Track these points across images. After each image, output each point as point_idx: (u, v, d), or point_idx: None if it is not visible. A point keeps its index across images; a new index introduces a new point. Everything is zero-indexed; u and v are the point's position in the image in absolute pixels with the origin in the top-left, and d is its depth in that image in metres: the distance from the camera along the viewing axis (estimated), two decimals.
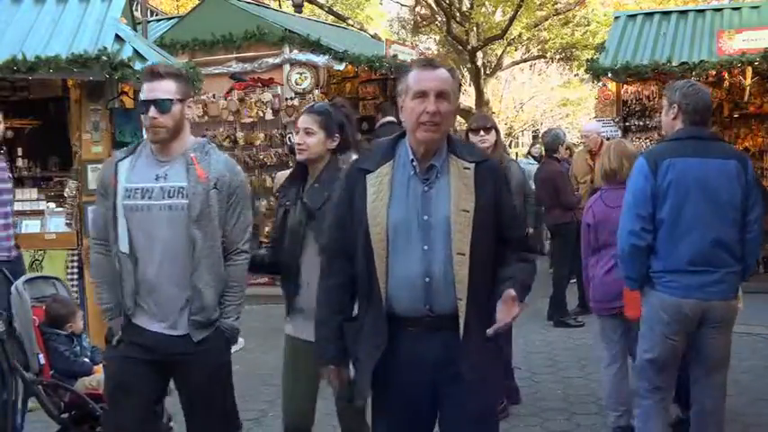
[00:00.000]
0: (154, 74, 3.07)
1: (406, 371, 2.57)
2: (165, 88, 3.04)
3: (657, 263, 3.66)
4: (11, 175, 5.69)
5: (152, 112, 3.01)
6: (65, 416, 4.14)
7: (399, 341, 2.57)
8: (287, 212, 3.46)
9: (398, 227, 2.54)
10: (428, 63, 2.63)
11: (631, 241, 3.66)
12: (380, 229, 2.54)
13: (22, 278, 4.43)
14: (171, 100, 3.03)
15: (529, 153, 11.98)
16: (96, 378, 4.26)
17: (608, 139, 8.16)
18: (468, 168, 2.58)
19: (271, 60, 9.80)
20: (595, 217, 4.45)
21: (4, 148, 5.58)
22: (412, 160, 2.60)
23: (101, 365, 4.30)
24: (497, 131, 5.16)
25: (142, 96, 3.07)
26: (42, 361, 4.18)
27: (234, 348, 6.98)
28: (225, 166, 3.13)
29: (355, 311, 2.78)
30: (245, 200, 3.19)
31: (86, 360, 4.43)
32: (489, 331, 2.47)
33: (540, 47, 23.31)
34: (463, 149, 2.65)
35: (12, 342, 4.16)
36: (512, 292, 2.47)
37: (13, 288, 4.28)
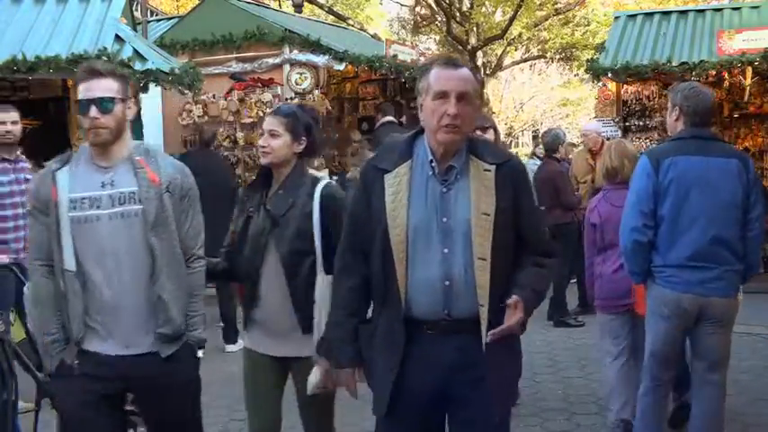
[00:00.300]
0: (93, 72, 2.85)
1: (420, 372, 2.53)
2: (106, 86, 2.82)
3: (659, 258, 3.76)
4: (29, 177, 5.69)
5: (93, 111, 2.79)
6: None
7: (415, 343, 2.52)
8: (249, 219, 3.28)
9: (418, 229, 2.49)
10: (450, 62, 2.54)
11: (634, 237, 3.77)
12: (400, 231, 2.49)
13: None
14: (113, 99, 2.82)
15: (534, 154, 11.96)
16: None
17: (608, 139, 8.16)
18: (489, 170, 2.52)
19: (271, 60, 9.80)
20: (601, 217, 4.52)
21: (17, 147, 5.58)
22: (431, 161, 2.54)
23: None
24: (496, 131, 5.12)
25: (80, 96, 2.84)
26: None
27: (233, 348, 7.01)
28: (174, 169, 2.94)
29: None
30: (196, 203, 2.99)
31: None
32: (486, 338, 2.43)
33: (540, 47, 23.33)
34: (484, 150, 2.59)
35: (26, 343, 4.11)
36: (514, 297, 2.43)
37: (25, 288, 4.24)
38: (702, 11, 10.14)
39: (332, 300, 2.79)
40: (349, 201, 2.98)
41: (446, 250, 2.48)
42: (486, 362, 2.48)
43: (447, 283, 2.48)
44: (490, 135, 4.97)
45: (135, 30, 8.88)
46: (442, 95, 2.47)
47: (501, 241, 2.47)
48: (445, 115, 2.45)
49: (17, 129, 5.52)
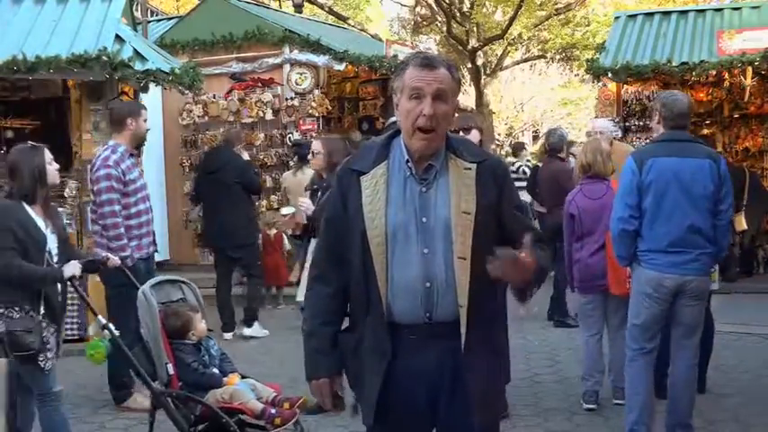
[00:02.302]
0: None
1: (406, 383, 2.46)
2: None
3: (643, 244, 4.30)
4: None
5: None
6: (194, 429, 3.94)
7: (399, 352, 2.45)
8: None
9: (397, 229, 2.42)
10: (426, 62, 2.42)
11: (621, 226, 4.32)
12: (379, 232, 2.41)
13: (150, 282, 4.22)
14: None
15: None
16: (228, 390, 3.98)
17: (615, 138, 8.10)
18: (470, 168, 2.45)
19: (271, 60, 9.81)
20: (579, 208, 5.14)
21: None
22: (407, 161, 2.46)
23: (233, 375, 4.12)
24: (481, 131, 5.13)
25: None
26: (171, 371, 3.98)
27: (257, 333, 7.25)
28: None
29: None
30: None
31: (216, 371, 4.13)
32: (489, 266, 2.28)
33: (540, 47, 23.31)
34: (463, 149, 2.51)
35: (141, 351, 4.05)
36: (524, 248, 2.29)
37: (140, 293, 4.11)
38: (703, 11, 10.14)
39: (307, 309, 2.67)
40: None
41: (426, 250, 2.41)
42: (469, 367, 2.43)
43: (428, 284, 2.41)
44: (474, 135, 4.96)
45: (135, 30, 8.89)
46: (418, 94, 2.38)
47: (482, 241, 2.39)
48: (421, 116, 2.37)
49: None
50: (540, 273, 2.44)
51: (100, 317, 4.13)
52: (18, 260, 3.91)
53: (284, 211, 5.47)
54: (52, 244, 4.11)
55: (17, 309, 3.95)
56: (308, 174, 7.44)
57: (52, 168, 4.20)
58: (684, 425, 4.39)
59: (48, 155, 4.19)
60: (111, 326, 4.09)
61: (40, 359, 3.97)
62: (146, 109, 5.69)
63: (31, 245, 3.98)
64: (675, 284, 4.25)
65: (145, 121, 5.56)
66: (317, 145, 5.51)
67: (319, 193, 5.36)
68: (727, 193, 4.27)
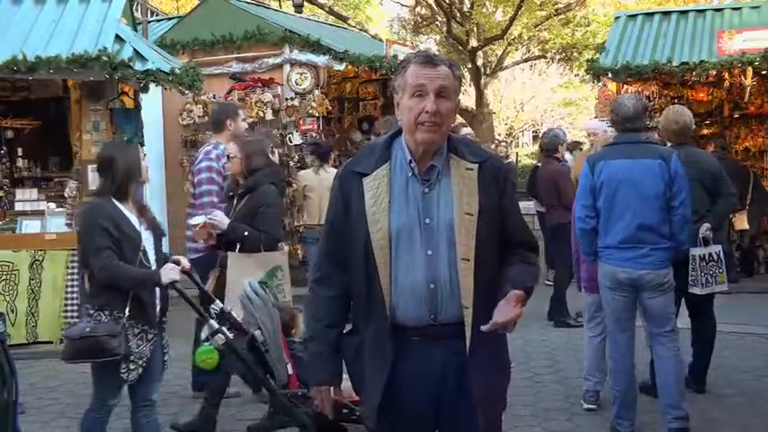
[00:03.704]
0: None
1: (410, 386, 2.46)
2: None
3: (600, 241, 4.61)
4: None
5: None
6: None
7: (403, 354, 2.44)
8: None
9: (401, 232, 2.41)
10: (428, 59, 2.42)
11: (579, 225, 4.68)
12: (383, 235, 2.40)
13: (257, 278, 4.09)
14: None
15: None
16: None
17: None
18: (471, 169, 2.44)
19: (271, 60, 9.81)
20: None
21: None
22: (410, 161, 2.45)
23: None
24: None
25: None
26: (290, 370, 3.86)
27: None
28: None
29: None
30: None
31: None
32: (483, 327, 2.34)
33: (540, 47, 23.31)
34: (464, 149, 2.50)
35: (248, 353, 3.82)
36: (518, 292, 2.35)
37: (248, 291, 3.95)
38: (703, 11, 10.14)
39: (309, 312, 2.66)
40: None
41: (430, 252, 2.41)
42: (474, 368, 2.43)
43: (432, 286, 2.40)
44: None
45: (135, 30, 8.90)
46: (420, 92, 2.38)
47: (485, 241, 2.40)
48: (423, 112, 2.37)
49: None
50: (527, 296, 2.44)
51: (212, 321, 3.85)
52: (116, 261, 3.69)
53: (194, 220, 5.03)
54: (147, 242, 3.86)
55: (107, 312, 3.70)
56: (330, 172, 7.46)
57: (145, 164, 4.05)
58: (675, 406, 4.50)
59: (141, 150, 4.04)
60: (225, 330, 3.84)
61: (122, 369, 3.71)
62: (243, 109, 6.07)
63: (125, 244, 3.73)
64: (630, 278, 4.48)
65: (243, 120, 5.82)
66: (232, 148, 5.12)
67: (235, 201, 4.96)
68: (680, 190, 4.43)
